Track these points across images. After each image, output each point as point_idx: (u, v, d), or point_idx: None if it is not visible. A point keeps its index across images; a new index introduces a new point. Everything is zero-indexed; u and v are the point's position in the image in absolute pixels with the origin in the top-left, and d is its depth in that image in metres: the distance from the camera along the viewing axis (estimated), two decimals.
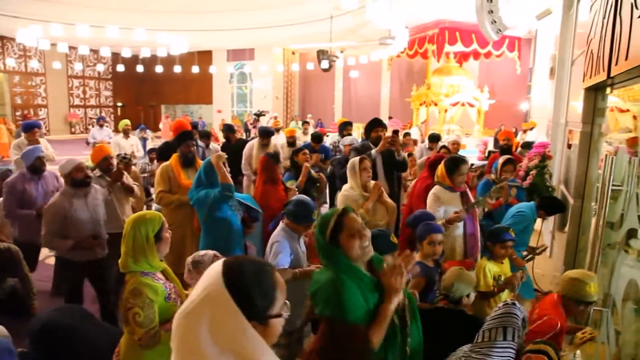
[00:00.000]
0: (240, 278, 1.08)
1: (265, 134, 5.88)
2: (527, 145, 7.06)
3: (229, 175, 3.34)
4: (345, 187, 3.85)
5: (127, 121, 8.20)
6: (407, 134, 8.38)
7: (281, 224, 3.02)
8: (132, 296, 2.11)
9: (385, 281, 1.81)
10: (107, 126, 9.40)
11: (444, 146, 6.17)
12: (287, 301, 1.17)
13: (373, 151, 4.48)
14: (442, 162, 3.69)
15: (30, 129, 5.81)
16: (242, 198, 3.60)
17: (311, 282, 1.92)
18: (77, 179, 3.50)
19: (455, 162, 3.58)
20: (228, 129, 6.85)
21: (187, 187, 4.02)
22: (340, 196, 3.91)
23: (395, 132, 4.63)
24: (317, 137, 6.50)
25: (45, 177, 4.39)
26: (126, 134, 7.89)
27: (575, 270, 2.37)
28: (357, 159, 3.80)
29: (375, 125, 4.90)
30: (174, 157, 4.21)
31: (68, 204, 3.41)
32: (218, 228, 3.34)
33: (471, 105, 11.83)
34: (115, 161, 4.17)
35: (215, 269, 1.10)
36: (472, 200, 3.73)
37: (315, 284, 1.88)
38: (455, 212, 3.36)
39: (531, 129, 10.94)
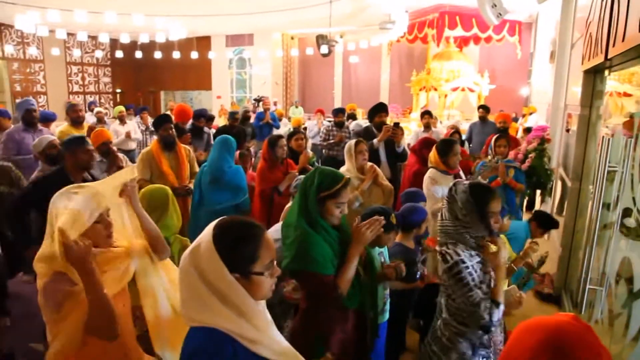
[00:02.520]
0: (226, 234, 1.24)
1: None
2: (529, 130, 7.08)
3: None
4: (342, 169, 3.92)
5: (121, 107, 8.21)
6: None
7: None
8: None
9: (357, 229, 1.94)
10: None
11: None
12: (277, 267, 1.31)
13: (375, 141, 4.53)
14: (434, 146, 3.75)
15: (47, 120, 5.89)
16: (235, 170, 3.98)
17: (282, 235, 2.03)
18: (51, 155, 3.70)
19: (447, 144, 3.65)
20: (231, 116, 7.31)
21: (167, 173, 4.05)
22: None
23: (397, 125, 4.65)
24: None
25: (41, 131, 4.97)
26: (122, 120, 7.89)
27: None
28: (353, 141, 3.87)
29: (379, 110, 4.93)
30: (154, 142, 4.21)
31: None
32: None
33: (471, 90, 11.77)
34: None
35: (213, 223, 1.27)
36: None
37: (285, 239, 1.99)
38: None
39: (531, 113, 10.93)
